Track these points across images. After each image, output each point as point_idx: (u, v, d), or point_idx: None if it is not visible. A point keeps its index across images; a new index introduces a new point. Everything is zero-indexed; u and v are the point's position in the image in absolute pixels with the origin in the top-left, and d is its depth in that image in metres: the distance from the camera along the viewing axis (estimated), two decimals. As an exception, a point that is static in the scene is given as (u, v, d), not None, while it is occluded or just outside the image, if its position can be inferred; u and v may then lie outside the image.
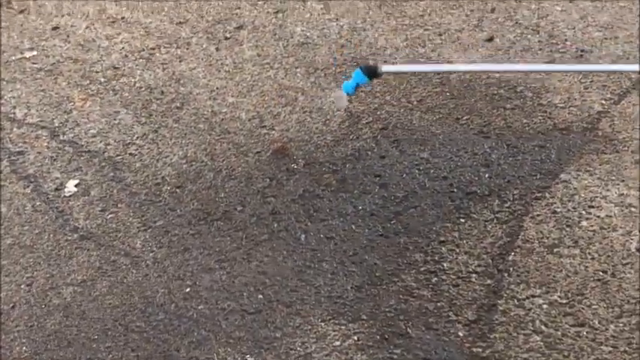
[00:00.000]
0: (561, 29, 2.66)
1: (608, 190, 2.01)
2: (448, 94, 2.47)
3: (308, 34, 2.78)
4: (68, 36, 2.94)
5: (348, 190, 2.16)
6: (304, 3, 2.94)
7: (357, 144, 2.31)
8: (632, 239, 1.83)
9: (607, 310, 1.61)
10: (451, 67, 2.59)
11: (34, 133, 2.46)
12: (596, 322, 1.58)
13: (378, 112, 2.42)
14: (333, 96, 2.48)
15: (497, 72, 2.57)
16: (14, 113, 2.52)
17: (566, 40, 2.61)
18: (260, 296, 1.85)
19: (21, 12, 3.17)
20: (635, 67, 2.22)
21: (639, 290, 1.65)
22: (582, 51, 2.53)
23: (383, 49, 2.65)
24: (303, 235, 2.05)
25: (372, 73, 2.28)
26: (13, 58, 2.87)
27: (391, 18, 2.78)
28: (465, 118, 2.33)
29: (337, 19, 2.85)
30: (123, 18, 3.04)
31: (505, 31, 2.68)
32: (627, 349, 1.54)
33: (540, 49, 2.58)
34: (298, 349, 1.77)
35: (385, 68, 2.34)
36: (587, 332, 1.57)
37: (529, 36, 2.67)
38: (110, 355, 1.69)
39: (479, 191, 2.05)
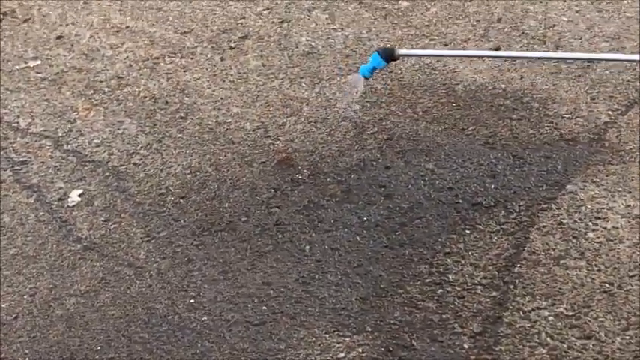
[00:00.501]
0: (568, 39, 2.67)
1: (614, 201, 2.02)
2: (454, 104, 2.48)
3: (313, 43, 2.80)
4: (72, 45, 2.97)
5: (352, 200, 2.17)
6: (309, 13, 2.98)
7: (362, 155, 2.32)
8: (638, 251, 1.81)
9: (613, 323, 1.62)
10: (465, 53, 2.66)
11: (37, 143, 2.48)
12: (603, 335, 1.58)
13: (383, 123, 2.43)
14: (348, 79, 2.48)
15: (508, 57, 2.60)
16: (18, 122, 2.55)
17: (573, 50, 2.65)
18: (264, 307, 1.85)
19: (25, 21, 3.18)
20: (635, 57, 2.23)
21: (646, 302, 1.64)
22: (589, 61, 2.56)
23: (389, 58, 2.67)
24: (307, 246, 2.04)
25: (389, 56, 2.30)
26: (17, 67, 2.89)
27: (397, 28, 2.80)
28: (470, 128, 2.34)
29: (342, 29, 2.87)
30: (127, 27, 3.07)
31: (512, 42, 2.69)
32: (634, 361, 1.53)
33: (547, 59, 2.61)
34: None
35: (402, 52, 2.38)
36: (593, 345, 1.58)
37: (535, 46, 2.68)
38: (113, 367, 1.69)
39: (484, 202, 2.06)
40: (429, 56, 2.70)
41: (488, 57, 2.62)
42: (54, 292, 1.93)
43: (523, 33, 2.73)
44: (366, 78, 2.27)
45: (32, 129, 2.55)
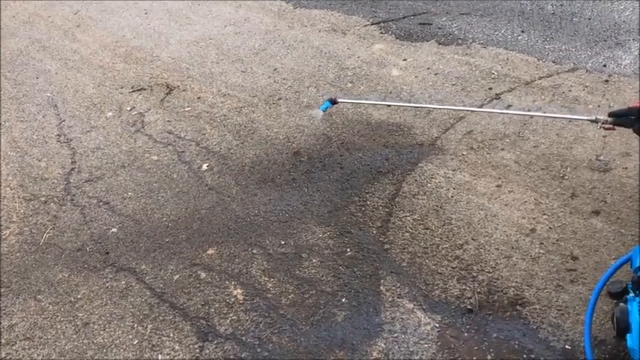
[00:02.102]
0: (414, 92, 4.05)
1: (439, 172, 3.15)
2: (369, 128, 3.60)
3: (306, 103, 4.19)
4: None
5: (325, 169, 3.30)
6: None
7: (330, 149, 3.46)
8: (451, 188, 3.07)
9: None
10: (374, 102, 3.68)
11: (184, 145, 3.94)
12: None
13: (339, 136, 3.57)
14: (314, 111, 3.62)
15: (426, 108, 3.58)
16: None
17: (418, 99, 3.78)
18: (286, 214, 3.03)
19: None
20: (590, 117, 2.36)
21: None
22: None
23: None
24: (305, 189, 3.19)
25: (333, 101, 3.08)
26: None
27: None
28: (376, 138, 3.49)
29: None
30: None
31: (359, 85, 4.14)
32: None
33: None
34: (304, 237, 2.90)
35: (340, 99, 3.22)
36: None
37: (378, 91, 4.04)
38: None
39: (382, 170, 3.23)
40: (355, 103, 3.75)
41: (399, 106, 3.61)
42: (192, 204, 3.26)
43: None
44: (323, 112, 3.19)
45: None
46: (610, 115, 2.36)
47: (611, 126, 2.36)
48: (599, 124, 2.37)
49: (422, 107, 3.60)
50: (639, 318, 1.81)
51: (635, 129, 2.28)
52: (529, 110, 3.47)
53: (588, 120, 2.43)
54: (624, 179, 2.92)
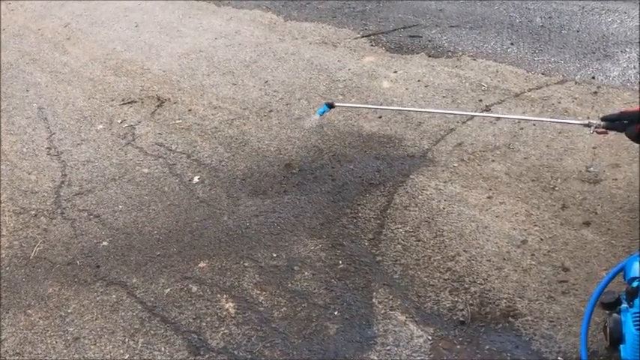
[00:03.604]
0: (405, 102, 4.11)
1: (429, 184, 3.15)
2: (360, 140, 3.58)
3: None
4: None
5: (317, 181, 3.29)
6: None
7: (322, 162, 3.44)
8: (443, 200, 3.10)
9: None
10: (378, 107, 3.70)
11: (175, 158, 3.88)
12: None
13: (330, 148, 3.56)
14: (312, 117, 3.60)
15: (417, 111, 3.61)
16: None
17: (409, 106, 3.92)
18: (278, 226, 3.01)
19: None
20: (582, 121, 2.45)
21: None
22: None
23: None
24: (297, 201, 3.18)
25: (330, 106, 3.10)
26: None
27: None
28: (367, 150, 3.48)
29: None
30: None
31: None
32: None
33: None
34: (296, 249, 2.88)
35: (337, 104, 3.25)
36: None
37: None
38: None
39: (374, 182, 3.21)
40: (352, 107, 3.77)
41: (394, 110, 3.65)
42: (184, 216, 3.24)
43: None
44: (320, 115, 3.17)
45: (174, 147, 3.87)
46: (603, 119, 2.41)
47: (604, 130, 2.40)
48: (592, 128, 2.40)
49: (418, 111, 3.63)
50: (633, 329, 1.82)
51: (627, 133, 2.33)
52: (519, 122, 3.51)
53: (581, 124, 2.46)
54: (614, 190, 2.94)
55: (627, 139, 2.39)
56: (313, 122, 3.54)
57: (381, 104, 3.87)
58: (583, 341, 1.95)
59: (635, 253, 2.14)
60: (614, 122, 2.39)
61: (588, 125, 2.45)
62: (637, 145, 2.49)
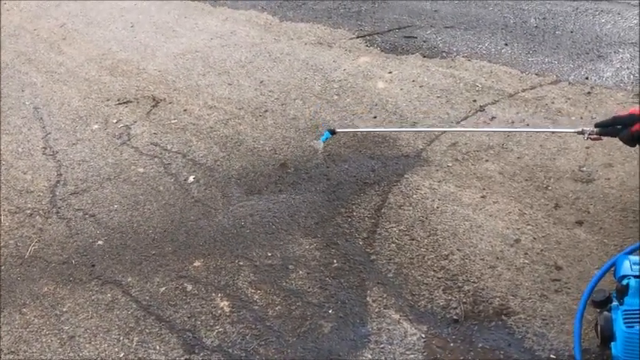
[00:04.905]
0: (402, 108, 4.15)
1: (424, 183, 3.14)
2: (353, 139, 3.61)
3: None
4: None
5: (312, 180, 3.26)
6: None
7: (316, 162, 3.43)
8: (438, 199, 3.05)
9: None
10: (381, 129, 3.58)
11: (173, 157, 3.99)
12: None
13: (326, 147, 3.55)
14: (314, 143, 3.56)
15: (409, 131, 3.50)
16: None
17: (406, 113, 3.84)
18: (273, 226, 2.99)
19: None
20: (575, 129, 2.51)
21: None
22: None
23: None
24: (292, 201, 3.14)
25: (332, 132, 3.32)
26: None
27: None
28: (363, 151, 3.45)
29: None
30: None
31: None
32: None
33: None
34: (291, 248, 2.87)
35: (339, 130, 3.42)
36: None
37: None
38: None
39: (369, 181, 3.18)
40: (354, 132, 3.65)
41: (387, 132, 3.59)
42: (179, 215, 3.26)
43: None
44: (323, 142, 3.37)
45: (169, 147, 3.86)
46: (596, 125, 2.43)
47: (597, 136, 2.41)
48: (586, 135, 2.42)
49: (420, 131, 3.57)
50: (623, 326, 1.83)
51: (621, 137, 2.33)
52: (513, 122, 3.52)
53: (575, 132, 2.49)
54: (607, 190, 2.95)
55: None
56: (317, 149, 3.50)
57: (376, 104, 3.87)
58: (577, 340, 1.98)
59: (624, 251, 2.15)
60: (608, 128, 2.41)
61: (582, 132, 2.47)
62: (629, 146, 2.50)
